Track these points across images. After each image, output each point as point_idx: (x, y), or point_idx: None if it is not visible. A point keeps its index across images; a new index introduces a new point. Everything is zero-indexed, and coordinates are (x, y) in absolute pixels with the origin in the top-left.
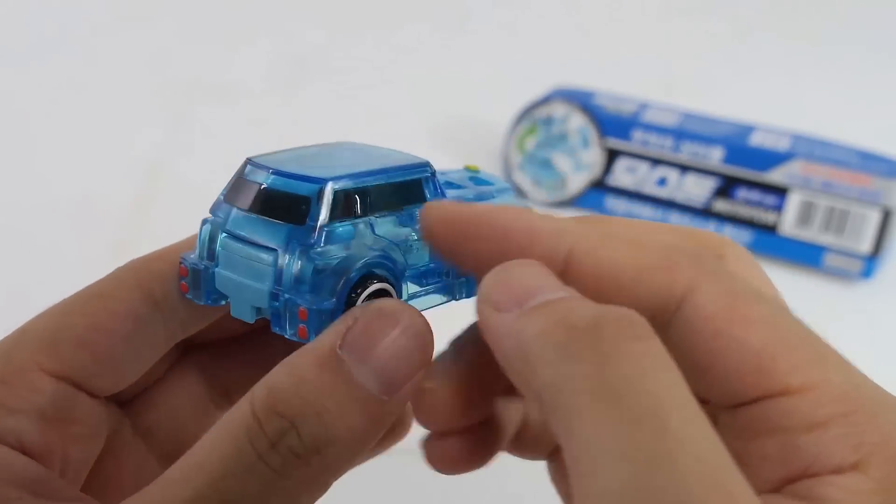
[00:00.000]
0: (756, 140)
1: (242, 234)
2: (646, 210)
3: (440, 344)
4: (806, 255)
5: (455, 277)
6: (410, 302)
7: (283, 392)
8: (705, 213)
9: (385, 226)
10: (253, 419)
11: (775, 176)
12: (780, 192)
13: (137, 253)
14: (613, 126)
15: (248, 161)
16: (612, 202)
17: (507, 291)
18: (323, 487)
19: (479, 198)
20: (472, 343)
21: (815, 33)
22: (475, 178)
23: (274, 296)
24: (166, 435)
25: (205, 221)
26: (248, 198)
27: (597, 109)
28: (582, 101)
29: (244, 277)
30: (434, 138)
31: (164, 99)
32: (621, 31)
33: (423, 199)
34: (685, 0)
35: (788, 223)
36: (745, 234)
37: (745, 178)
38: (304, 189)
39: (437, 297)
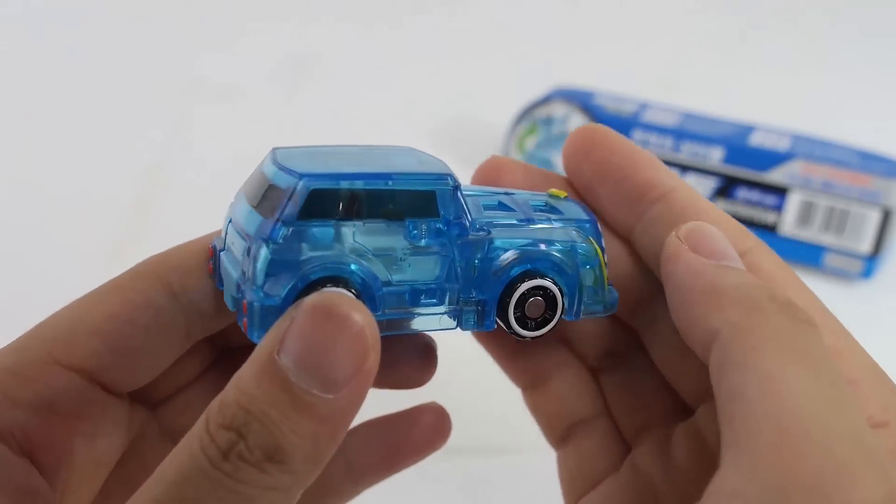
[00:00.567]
0: (756, 140)
1: (240, 221)
2: None
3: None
4: (806, 255)
5: (465, 303)
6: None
7: (229, 406)
8: None
9: (373, 234)
10: (205, 432)
11: (775, 176)
12: (780, 192)
13: (137, 253)
14: (613, 126)
15: (272, 150)
16: None
17: (710, 242)
18: (291, 495)
19: (523, 223)
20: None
21: (815, 33)
22: (551, 204)
23: (238, 287)
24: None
25: (231, 205)
26: (250, 185)
27: (597, 109)
28: (582, 101)
29: (230, 265)
30: (434, 138)
31: (164, 99)
32: (621, 31)
33: (435, 214)
34: (685, 0)
35: (788, 223)
36: None
37: (745, 178)
38: (283, 182)
39: (434, 321)
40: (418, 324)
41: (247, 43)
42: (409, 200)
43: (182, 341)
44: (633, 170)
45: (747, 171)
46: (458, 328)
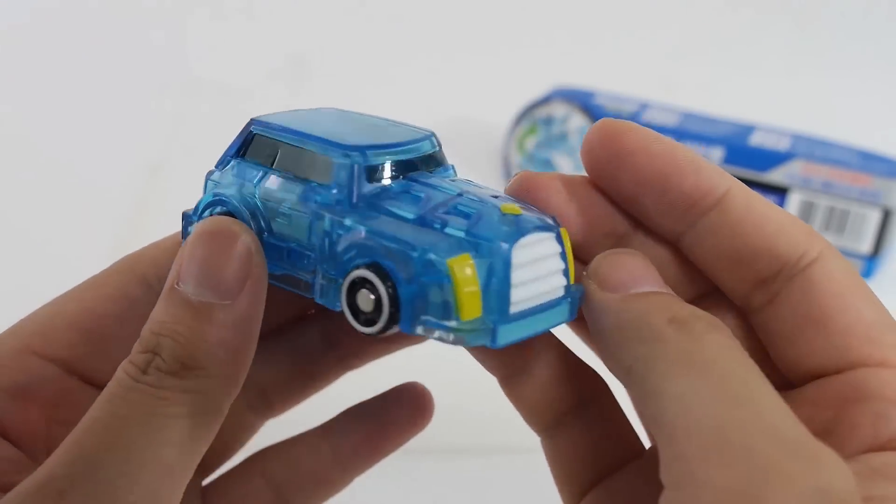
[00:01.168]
0: (756, 140)
1: None
2: None
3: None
4: None
5: (325, 277)
6: None
7: (144, 335)
8: None
9: (279, 185)
10: (127, 361)
11: (775, 176)
12: (780, 192)
13: None
14: None
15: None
16: None
17: (616, 274)
18: (215, 399)
19: (423, 221)
20: None
21: (815, 33)
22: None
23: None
24: None
25: None
26: None
27: (597, 109)
28: (582, 101)
29: None
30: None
31: (164, 99)
32: (621, 31)
33: (328, 181)
34: (685, 0)
35: None
36: None
37: (746, 178)
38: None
39: (300, 284)
40: (284, 281)
41: (247, 42)
42: (315, 164)
43: None
44: (680, 177)
45: (747, 171)
46: (314, 298)
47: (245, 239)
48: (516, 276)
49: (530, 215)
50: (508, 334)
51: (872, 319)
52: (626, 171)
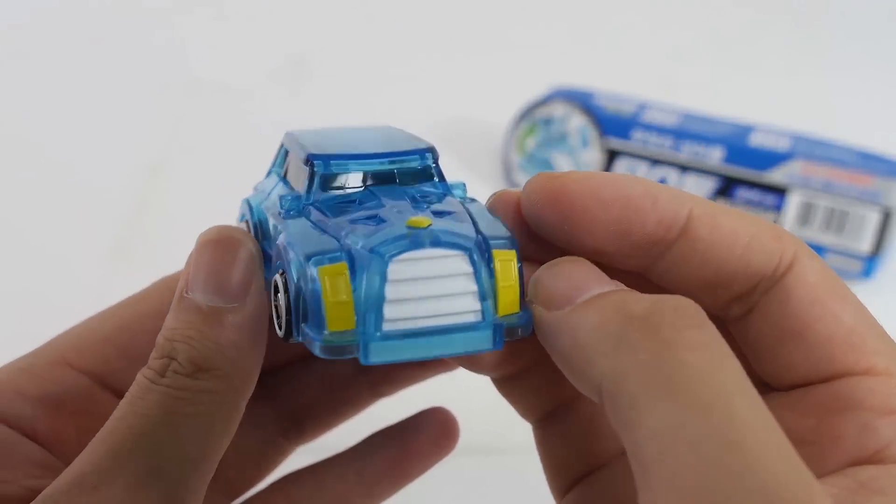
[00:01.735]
0: (756, 140)
1: None
2: None
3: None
4: None
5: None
6: None
7: (158, 343)
8: None
9: (277, 195)
10: (144, 368)
11: (775, 176)
12: (780, 192)
13: (137, 253)
14: (613, 126)
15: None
16: None
17: (558, 289)
18: (229, 398)
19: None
20: None
21: (815, 33)
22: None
23: None
24: (224, 462)
25: None
26: None
27: (597, 109)
28: (582, 101)
29: None
30: (434, 138)
31: (164, 99)
32: (621, 31)
33: (300, 187)
34: (685, 0)
35: (788, 223)
36: None
37: (745, 178)
38: None
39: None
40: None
41: (247, 42)
42: (295, 172)
43: None
44: (641, 217)
45: (747, 171)
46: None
47: (248, 244)
48: (392, 291)
49: (442, 230)
50: (383, 353)
51: (852, 325)
52: (582, 230)
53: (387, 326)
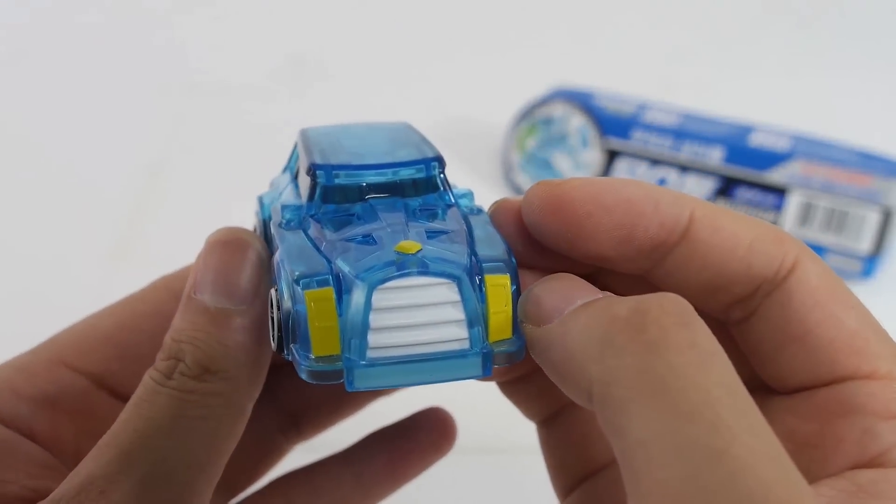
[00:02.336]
0: (756, 140)
1: None
2: None
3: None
4: None
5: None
6: None
7: (166, 344)
8: None
9: (287, 196)
10: (152, 369)
11: (775, 176)
12: (779, 192)
13: (137, 253)
14: (613, 126)
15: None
16: None
17: (546, 304)
18: (236, 400)
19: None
20: None
21: (815, 33)
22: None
23: None
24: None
25: None
26: None
27: (597, 109)
28: (582, 101)
29: None
30: (434, 138)
31: (164, 99)
32: (621, 31)
33: (305, 195)
34: (685, 0)
35: (788, 223)
36: None
37: (745, 178)
38: None
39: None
40: None
41: (247, 42)
42: (303, 175)
43: None
44: (644, 221)
45: (747, 171)
46: None
47: (256, 246)
48: (376, 318)
49: (432, 256)
50: (367, 379)
51: (855, 328)
52: (585, 236)
53: (371, 353)
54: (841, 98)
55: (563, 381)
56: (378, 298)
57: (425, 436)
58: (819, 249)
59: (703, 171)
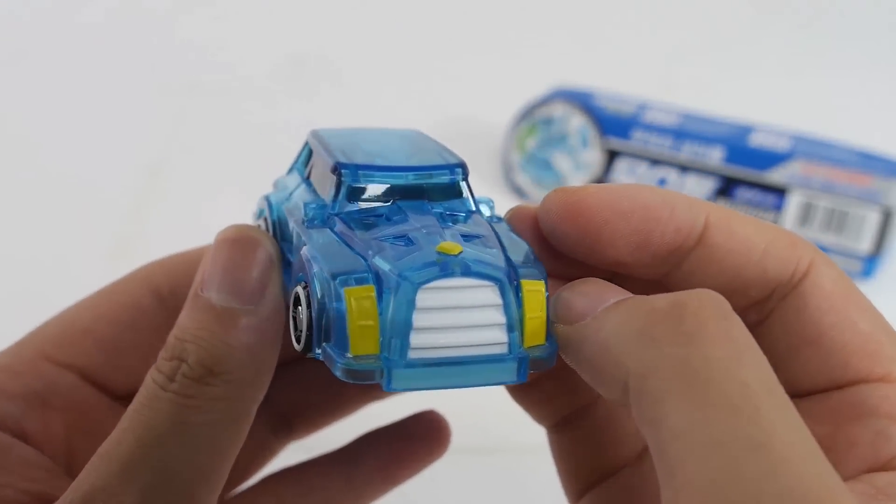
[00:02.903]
0: (756, 140)
1: None
2: None
3: None
4: None
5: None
6: None
7: (169, 343)
8: None
9: (300, 195)
10: (154, 369)
11: (775, 176)
12: (779, 192)
13: (137, 252)
14: (613, 126)
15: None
16: None
17: (579, 304)
18: (241, 404)
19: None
20: None
21: (815, 33)
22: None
23: None
24: None
25: None
26: None
27: (597, 109)
28: (582, 101)
29: None
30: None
31: (164, 99)
32: (621, 31)
33: (325, 194)
34: (685, 0)
35: (788, 223)
36: None
37: (745, 178)
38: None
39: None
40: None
41: (247, 42)
42: (324, 177)
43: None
44: (660, 227)
45: (747, 172)
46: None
47: (266, 245)
48: (420, 319)
49: (473, 259)
50: (405, 381)
51: (869, 332)
52: (602, 242)
53: (412, 354)
54: (841, 98)
55: (597, 376)
56: (422, 298)
57: (419, 439)
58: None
59: (703, 171)
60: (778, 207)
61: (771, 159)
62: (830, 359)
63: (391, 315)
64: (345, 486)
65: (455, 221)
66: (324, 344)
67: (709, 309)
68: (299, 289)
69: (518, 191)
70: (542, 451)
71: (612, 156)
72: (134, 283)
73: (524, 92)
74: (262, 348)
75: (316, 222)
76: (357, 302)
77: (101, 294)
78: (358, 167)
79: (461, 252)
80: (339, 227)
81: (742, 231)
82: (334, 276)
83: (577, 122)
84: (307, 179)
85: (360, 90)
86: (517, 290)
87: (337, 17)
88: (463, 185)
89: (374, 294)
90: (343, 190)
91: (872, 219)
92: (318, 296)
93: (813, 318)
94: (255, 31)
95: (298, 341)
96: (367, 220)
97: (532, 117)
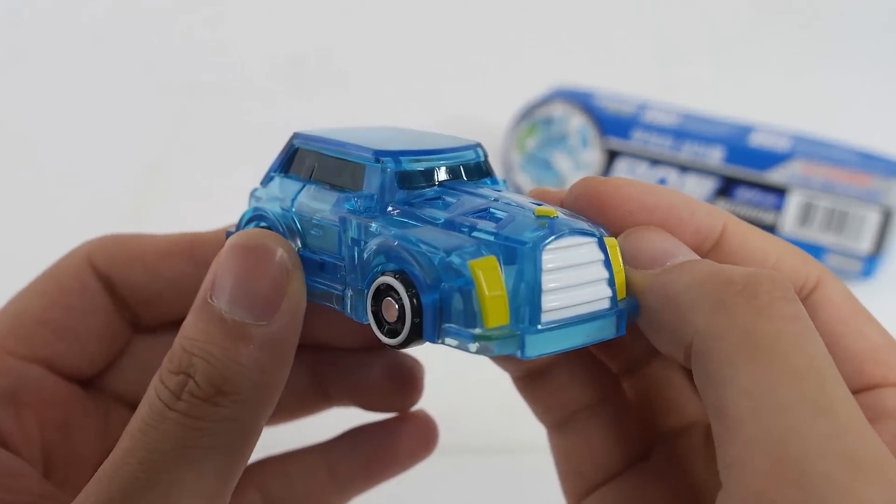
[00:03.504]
0: (756, 140)
1: None
2: None
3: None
4: None
5: (353, 289)
6: None
7: (175, 353)
8: None
9: (313, 196)
10: (159, 382)
11: (775, 176)
12: (779, 192)
13: None
14: (613, 126)
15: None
16: None
17: (647, 251)
18: (249, 425)
19: (451, 225)
20: None
21: (815, 33)
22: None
23: None
24: None
25: None
26: None
27: (597, 109)
28: (582, 101)
29: None
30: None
31: (164, 99)
32: (621, 31)
33: (360, 188)
34: (685, 0)
35: (788, 223)
36: None
37: (745, 178)
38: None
39: (332, 298)
40: (320, 297)
41: (247, 42)
42: (349, 172)
43: (123, 327)
44: (681, 226)
45: (747, 171)
46: (345, 312)
47: (282, 255)
48: (548, 280)
49: (568, 219)
50: (539, 345)
51: (880, 342)
52: (629, 235)
53: (544, 317)
54: (841, 98)
55: (658, 327)
56: (547, 259)
57: (406, 439)
58: (819, 249)
59: (703, 171)
60: (778, 207)
61: (771, 159)
62: (844, 366)
63: (521, 281)
64: (328, 479)
65: (498, 199)
66: (444, 325)
67: (780, 290)
68: (388, 279)
69: (518, 191)
70: (543, 451)
71: (612, 156)
72: (76, 264)
73: (524, 92)
74: (275, 366)
75: (373, 213)
76: (486, 273)
77: (47, 279)
78: (398, 153)
79: (558, 216)
80: (403, 212)
81: (756, 241)
82: (449, 252)
83: (577, 122)
84: (310, 180)
85: (360, 90)
86: (603, 246)
87: (337, 18)
88: (488, 163)
89: (498, 264)
90: (390, 177)
91: (872, 219)
92: (431, 276)
93: (826, 328)
94: (255, 31)
95: (393, 334)
96: (426, 204)
97: (532, 117)
